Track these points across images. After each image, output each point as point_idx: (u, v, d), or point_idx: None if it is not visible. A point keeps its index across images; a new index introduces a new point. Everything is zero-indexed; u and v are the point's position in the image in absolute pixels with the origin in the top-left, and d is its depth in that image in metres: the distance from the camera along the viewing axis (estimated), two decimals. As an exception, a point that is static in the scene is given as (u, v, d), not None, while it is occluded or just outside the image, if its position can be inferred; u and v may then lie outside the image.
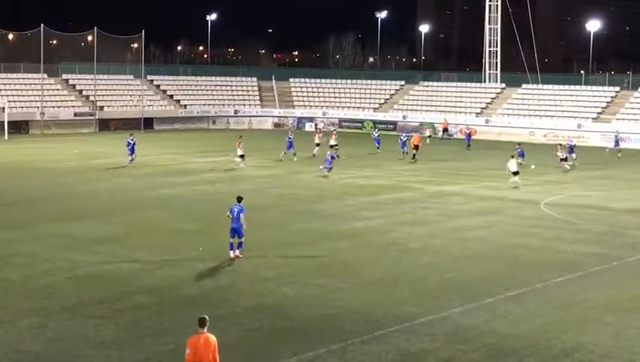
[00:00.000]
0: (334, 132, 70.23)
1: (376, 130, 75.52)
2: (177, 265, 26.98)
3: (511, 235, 33.60)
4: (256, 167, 54.14)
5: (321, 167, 51.51)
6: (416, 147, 61.48)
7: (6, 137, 72.98)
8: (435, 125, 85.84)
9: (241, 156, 53.57)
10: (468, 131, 77.36)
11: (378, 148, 66.52)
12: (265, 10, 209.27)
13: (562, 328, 21.37)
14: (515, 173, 47.83)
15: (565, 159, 56.29)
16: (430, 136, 78.03)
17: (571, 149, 58.81)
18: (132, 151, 53.73)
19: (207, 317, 15.28)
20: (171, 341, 19.53)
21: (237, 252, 27.77)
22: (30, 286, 24.07)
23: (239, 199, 28.24)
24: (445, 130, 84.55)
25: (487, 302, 23.42)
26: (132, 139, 54.14)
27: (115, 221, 34.50)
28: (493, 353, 19.46)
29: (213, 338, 15.17)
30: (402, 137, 64.89)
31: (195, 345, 14.99)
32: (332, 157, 52.04)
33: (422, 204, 41.11)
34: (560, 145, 57.38)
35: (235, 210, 27.72)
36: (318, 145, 62.35)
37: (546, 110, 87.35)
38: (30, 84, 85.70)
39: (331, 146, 60.93)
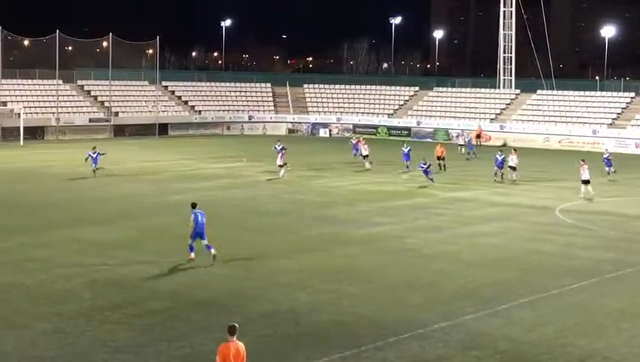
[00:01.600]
0: (362, 139, 64.30)
1: (406, 144, 60.88)
2: (191, 271, 27.04)
3: (525, 241, 33.51)
4: (271, 173, 54.15)
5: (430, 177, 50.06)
6: (440, 158, 57.97)
7: (21, 143, 73.30)
8: (464, 131, 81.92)
9: (281, 166, 52.00)
10: (469, 138, 74.23)
11: (408, 166, 56.89)
12: (279, 16, 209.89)
13: (577, 334, 21.31)
14: (586, 182, 45.45)
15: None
16: (464, 144, 72.42)
17: (609, 162, 55.86)
18: (95, 162, 52.02)
19: (237, 325, 15.15)
20: (186, 345, 19.58)
21: (213, 251, 27.81)
22: (45, 291, 24.16)
23: (194, 205, 28.40)
24: (479, 136, 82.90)
25: (502, 309, 23.37)
26: (95, 152, 52.16)
27: (130, 226, 34.60)
28: (507, 359, 19.42)
29: (242, 346, 15.03)
30: (404, 148, 58.37)
31: (225, 353, 14.81)
32: (426, 165, 49.99)
33: (435, 209, 41.06)
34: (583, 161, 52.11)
35: (199, 215, 28.03)
36: (366, 156, 58.36)
37: (560, 116, 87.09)
38: (46, 90, 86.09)
39: (365, 156, 58.24)
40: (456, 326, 21.65)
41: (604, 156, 56.38)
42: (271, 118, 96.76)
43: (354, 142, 64.57)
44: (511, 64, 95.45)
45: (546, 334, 21.24)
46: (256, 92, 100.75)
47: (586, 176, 45.78)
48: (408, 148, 58.11)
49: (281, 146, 55.32)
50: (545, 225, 37.42)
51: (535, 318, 22.64)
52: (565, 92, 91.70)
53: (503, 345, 20.30)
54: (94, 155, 51.38)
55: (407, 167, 56.85)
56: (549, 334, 21.24)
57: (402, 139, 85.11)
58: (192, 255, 28.06)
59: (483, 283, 26.42)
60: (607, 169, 54.50)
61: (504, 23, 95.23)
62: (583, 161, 46.82)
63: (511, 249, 31.93)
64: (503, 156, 52.48)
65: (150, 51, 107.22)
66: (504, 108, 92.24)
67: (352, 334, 20.84)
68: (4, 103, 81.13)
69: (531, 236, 34.74)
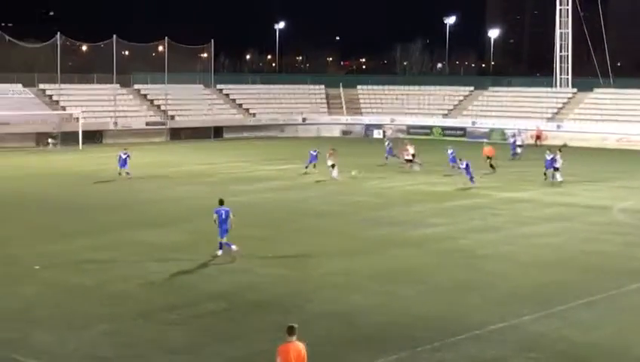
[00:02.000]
0: (407, 141, 63.56)
1: (450, 147, 59.27)
2: (246, 272, 27.21)
3: (583, 242, 33.13)
4: (324, 174, 54.24)
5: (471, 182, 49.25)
6: (489, 158, 57.35)
7: (80, 147, 74.38)
8: (520, 131, 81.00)
9: (332, 165, 52.54)
10: (514, 139, 73.28)
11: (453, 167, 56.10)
12: (332, 18, 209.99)
13: (637, 335, 21.01)
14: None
15: None
16: (522, 145, 70.93)
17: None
18: (123, 164, 52.09)
19: (295, 326, 15.16)
20: (242, 346, 19.71)
21: (233, 247, 28.95)
22: (104, 292, 24.51)
23: (222, 202, 29.75)
24: (539, 137, 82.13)
25: (559, 310, 23.13)
26: (125, 153, 52.96)
27: (186, 228, 34.92)
28: (565, 361, 19.22)
29: (303, 346, 15.02)
30: (449, 151, 56.94)
31: (286, 353, 14.86)
32: (467, 166, 49.38)
33: (491, 210, 40.77)
34: None
35: (223, 212, 29.22)
36: (412, 158, 57.79)
37: (618, 115, 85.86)
38: (103, 95, 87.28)
39: (409, 160, 57.79)
40: (513, 328, 21.48)
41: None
42: (325, 119, 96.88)
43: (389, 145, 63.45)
44: (567, 63, 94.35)
45: (604, 335, 20.99)
46: (309, 94, 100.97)
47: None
48: (453, 151, 56.54)
49: (316, 152, 55.56)
50: (603, 225, 36.94)
51: (594, 319, 22.39)
52: (623, 90, 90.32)
53: (561, 347, 20.10)
54: (124, 157, 52.12)
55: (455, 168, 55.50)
56: (607, 335, 20.99)
57: (457, 140, 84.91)
58: (219, 252, 29.08)
59: (540, 284, 26.18)
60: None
61: (560, 21, 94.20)
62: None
63: (569, 249, 31.59)
64: (552, 156, 51.87)
65: (205, 55, 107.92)
66: (561, 108, 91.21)
67: (407, 335, 20.79)
68: (64, 108, 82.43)
69: (589, 236, 34.33)
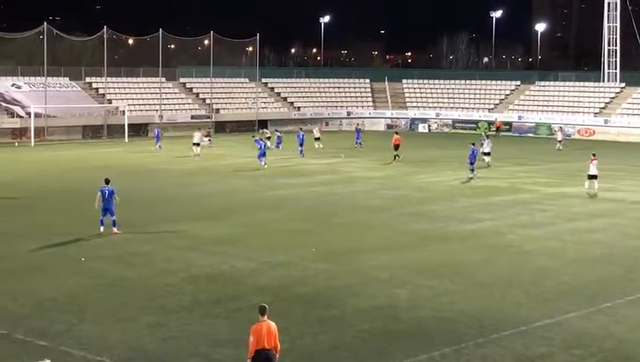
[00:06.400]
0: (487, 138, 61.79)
1: (482, 140, 58.13)
2: (291, 265, 27.23)
3: (630, 238, 32.69)
4: (369, 169, 54.15)
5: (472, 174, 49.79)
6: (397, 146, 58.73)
7: (126, 140, 75.02)
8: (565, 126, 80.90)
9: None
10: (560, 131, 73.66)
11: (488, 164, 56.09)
12: (378, 11, 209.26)
13: (685, 334, 20.68)
14: (593, 177, 44.96)
15: None
16: (562, 141, 71.28)
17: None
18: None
19: (266, 306, 16.20)
20: (285, 340, 19.64)
21: (114, 229, 31.46)
22: (149, 285, 24.67)
23: (107, 181, 32.24)
24: (498, 128, 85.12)
25: (605, 307, 22.85)
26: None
27: (230, 222, 35.04)
28: (612, 358, 18.98)
29: (274, 325, 16.05)
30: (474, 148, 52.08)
31: (258, 331, 15.86)
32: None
33: (538, 205, 40.38)
34: None
35: (107, 191, 31.63)
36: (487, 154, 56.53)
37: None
38: (149, 88, 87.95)
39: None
40: (559, 324, 21.25)
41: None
42: (369, 113, 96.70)
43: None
44: (616, 57, 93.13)
45: (652, 333, 20.69)
46: (354, 88, 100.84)
47: (593, 171, 44.97)
48: (475, 149, 51.73)
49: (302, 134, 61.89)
50: (651, 222, 36.43)
51: (641, 317, 22.08)
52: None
53: (607, 344, 19.84)
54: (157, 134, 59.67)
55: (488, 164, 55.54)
56: (655, 333, 20.68)
57: (505, 134, 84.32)
58: (102, 229, 31.48)
59: (587, 280, 25.89)
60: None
61: (608, 15, 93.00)
62: (594, 155, 46.09)
63: (616, 245, 31.19)
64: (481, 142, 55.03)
65: (250, 49, 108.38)
66: (608, 102, 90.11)
67: (451, 331, 20.66)
68: (110, 101, 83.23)
69: (637, 233, 33.88)
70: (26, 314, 21.63)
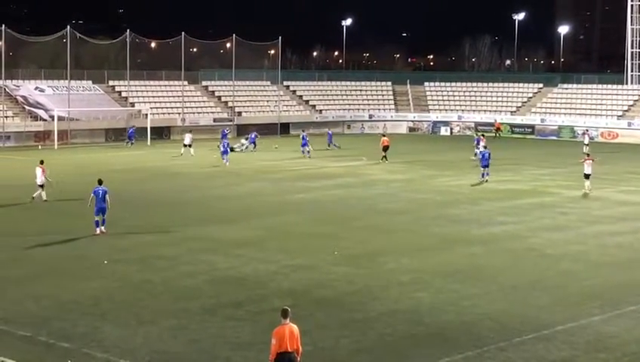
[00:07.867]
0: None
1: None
2: (313, 269, 27.23)
3: (655, 242, 32.47)
4: (389, 172, 54.06)
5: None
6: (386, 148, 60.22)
7: (149, 143, 75.24)
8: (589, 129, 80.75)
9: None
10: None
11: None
12: (400, 14, 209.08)
13: None
14: (587, 176, 45.39)
15: None
16: (587, 144, 70.23)
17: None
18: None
19: (289, 309, 16.09)
20: (308, 342, 19.65)
21: (102, 228, 31.93)
22: (171, 288, 24.73)
23: (100, 182, 32.51)
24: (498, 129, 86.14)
25: (630, 310, 22.70)
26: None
27: (252, 225, 35.06)
28: (635, 363, 18.85)
29: (296, 328, 16.00)
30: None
31: (281, 333, 15.81)
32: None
33: (560, 209, 40.19)
34: None
35: (100, 191, 31.97)
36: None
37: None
38: (171, 91, 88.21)
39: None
40: (583, 328, 21.13)
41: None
42: (391, 116, 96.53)
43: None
44: (639, 59, 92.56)
45: (677, 338, 20.51)
46: (376, 90, 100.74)
47: (588, 170, 45.32)
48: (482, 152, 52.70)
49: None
50: (676, 225, 36.15)
51: (666, 321, 21.90)
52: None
53: (632, 348, 19.71)
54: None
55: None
56: (680, 338, 20.50)
57: (527, 137, 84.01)
58: (98, 230, 31.88)
59: (611, 283, 25.73)
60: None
61: (632, 17, 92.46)
62: (588, 155, 46.80)
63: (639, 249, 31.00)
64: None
65: (272, 52, 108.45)
66: (632, 105, 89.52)
67: (474, 334, 20.59)
68: (132, 104, 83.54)
69: (661, 236, 33.64)
70: (49, 316, 21.74)
